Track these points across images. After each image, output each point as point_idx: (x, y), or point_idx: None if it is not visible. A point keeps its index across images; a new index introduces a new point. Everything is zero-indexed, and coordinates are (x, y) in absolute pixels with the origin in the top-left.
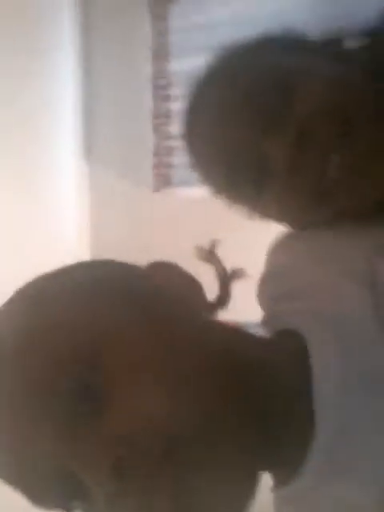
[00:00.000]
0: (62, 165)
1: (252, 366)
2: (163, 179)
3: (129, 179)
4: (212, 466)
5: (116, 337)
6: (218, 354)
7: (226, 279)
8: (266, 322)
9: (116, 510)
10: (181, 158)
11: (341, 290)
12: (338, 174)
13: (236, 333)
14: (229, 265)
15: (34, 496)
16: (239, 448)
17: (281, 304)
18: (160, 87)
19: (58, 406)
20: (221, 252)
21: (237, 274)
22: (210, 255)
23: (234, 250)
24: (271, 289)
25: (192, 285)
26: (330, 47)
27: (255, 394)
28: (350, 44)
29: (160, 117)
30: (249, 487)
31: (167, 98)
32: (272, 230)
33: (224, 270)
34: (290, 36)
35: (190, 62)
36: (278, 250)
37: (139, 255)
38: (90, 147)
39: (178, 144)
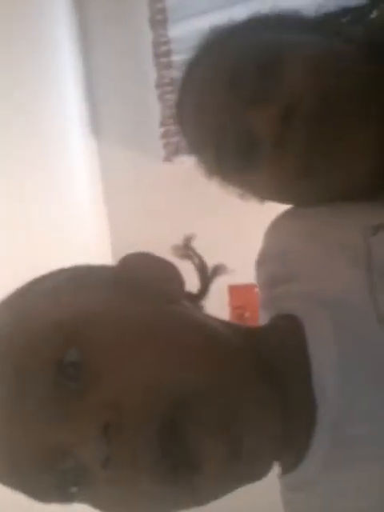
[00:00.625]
0: (70, 142)
1: (234, 348)
2: (172, 148)
3: (138, 151)
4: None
5: (92, 316)
6: (194, 328)
7: (205, 271)
8: (263, 306)
9: (113, 481)
10: None
11: (336, 272)
12: (323, 149)
13: (216, 318)
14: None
15: (33, 487)
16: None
17: (277, 287)
18: (161, 55)
19: (44, 386)
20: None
21: (218, 269)
22: (186, 250)
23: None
24: (268, 270)
25: (165, 267)
26: (325, 25)
27: (256, 374)
28: (346, 22)
29: (164, 85)
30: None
31: (169, 66)
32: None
33: (202, 261)
34: (282, 14)
35: (189, 27)
36: (275, 229)
37: (153, 225)
38: (97, 122)
39: None
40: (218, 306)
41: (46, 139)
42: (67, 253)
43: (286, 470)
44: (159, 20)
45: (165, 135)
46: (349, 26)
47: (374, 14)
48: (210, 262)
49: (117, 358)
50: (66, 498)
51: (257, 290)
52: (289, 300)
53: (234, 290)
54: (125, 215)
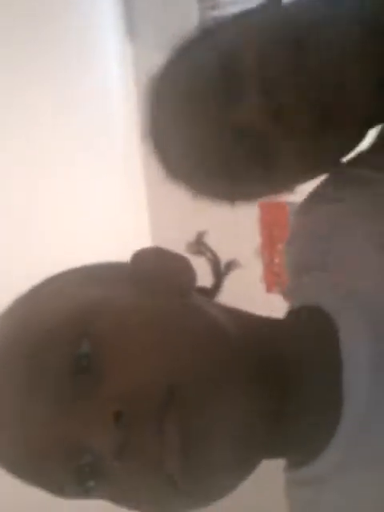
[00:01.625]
0: (106, 46)
1: (257, 341)
2: None
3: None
4: (214, 412)
5: (103, 309)
6: (200, 322)
7: (218, 265)
8: (288, 293)
9: (127, 470)
10: None
11: (365, 260)
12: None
13: (236, 310)
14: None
15: (51, 482)
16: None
17: (304, 274)
18: None
19: (58, 379)
20: None
21: (232, 264)
22: (199, 246)
23: None
24: (296, 253)
25: (176, 261)
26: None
27: (256, 364)
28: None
29: None
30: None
31: None
32: None
33: (215, 256)
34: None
35: None
36: (303, 211)
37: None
38: (133, 26)
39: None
40: (248, 223)
41: (81, 42)
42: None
43: (294, 466)
44: None
45: None
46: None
47: None
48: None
49: (125, 349)
50: (83, 492)
51: (287, 207)
52: (318, 291)
53: (264, 207)
54: None
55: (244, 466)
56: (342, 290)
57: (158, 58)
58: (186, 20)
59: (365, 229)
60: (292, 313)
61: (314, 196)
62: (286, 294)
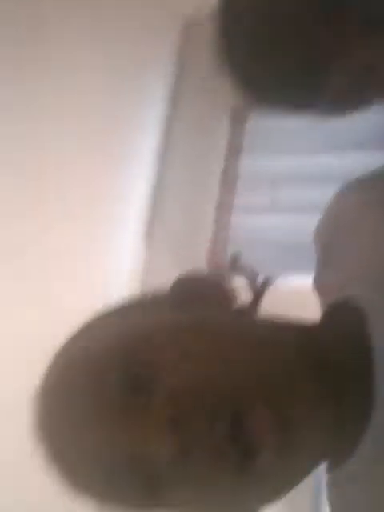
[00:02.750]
0: (121, 243)
1: (299, 346)
2: (216, 268)
3: (183, 265)
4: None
5: (148, 333)
6: (258, 336)
7: (255, 282)
8: (319, 289)
9: (186, 476)
10: (236, 249)
11: None
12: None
13: (277, 319)
14: None
15: (121, 497)
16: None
17: (331, 265)
18: (227, 180)
19: (115, 403)
20: None
21: (269, 281)
22: (235, 266)
23: None
24: (322, 241)
25: (213, 286)
26: None
27: (308, 373)
28: None
29: (222, 208)
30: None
31: (232, 192)
32: None
33: (252, 273)
34: None
35: (260, 163)
36: (335, 200)
37: None
38: (152, 229)
39: (235, 236)
40: None
41: (103, 232)
42: None
43: (334, 466)
44: (234, 151)
45: (212, 253)
46: None
47: None
48: None
49: (173, 365)
50: (153, 504)
51: None
52: (346, 286)
53: None
54: None
55: (314, 462)
56: (371, 283)
57: (167, 262)
58: (200, 232)
59: None
60: (327, 312)
61: (349, 186)
62: (315, 284)
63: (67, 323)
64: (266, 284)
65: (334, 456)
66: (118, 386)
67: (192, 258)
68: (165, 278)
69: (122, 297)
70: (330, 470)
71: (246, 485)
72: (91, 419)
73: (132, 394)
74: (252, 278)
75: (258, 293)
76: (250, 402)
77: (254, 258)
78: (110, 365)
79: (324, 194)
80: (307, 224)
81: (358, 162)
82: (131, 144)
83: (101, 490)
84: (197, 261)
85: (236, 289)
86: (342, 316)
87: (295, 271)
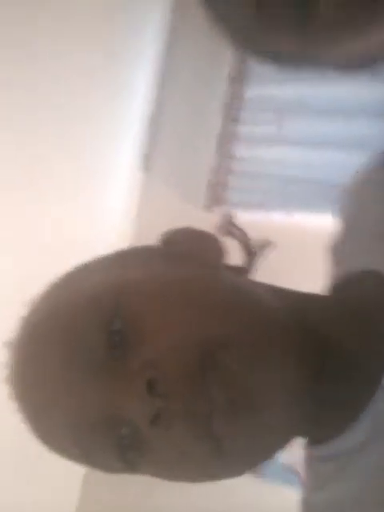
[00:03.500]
0: (118, 171)
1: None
2: (216, 199)
3: (182, 193)
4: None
5: (132, 284)
6: (230, 289)
7: (248, 245)
8: (335, 259)
9: (168, 437)
10: (238, 181)
11: None
12: None
13: (274, 285)
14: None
15: (94, 457)
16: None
17: (351, 239)
18: (231, 109)
19: (93, 356)
20: None
21: (264, 244)
22: (229, 227)
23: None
24: (346, 213)
25: (204, 238)
26: None
27: (293, 342)
28: None
29: (225, 137)
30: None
31: (236, 120)
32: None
33: (245, 236)
34: None
35: (265, 90)
36: (365, 173)
37: None
38: (150, 156)
39: (238, 167)
40: None
41: (97, 161)
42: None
43: (317, 442)
44: (238, 78)
45: (212, 184)
46: None
47: None
48: None
49: (154, 320)
50: (126, 466)
51: None
52: (366, 259)
53: None
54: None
55: (284, 431)
56: None
57: (165, 191)
58: (201, 161)
59: None
60: (340, 284)
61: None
62: (333, 254)
63: (62, 258)
64: (261, 247)
65: (322, 430)
66: (98, 341)
67: (192, 190)
68: (162, 215)
69: (115, 236)
70: (311, 445)
71: (219, 453)
72: (66, 376)
73: (112, 351)
74: (244, 241)
75: (252, 254)
76: (220, 356)
77: (257, 192)
78: (91, 318)
79: (332, 128)
80: (313, 158)
81: (370, 95)
82: (131, 71)
83: (74, 453)
84: (197, 193)
85: (229, 249)
86: (355, 290)
87: (298, 207)
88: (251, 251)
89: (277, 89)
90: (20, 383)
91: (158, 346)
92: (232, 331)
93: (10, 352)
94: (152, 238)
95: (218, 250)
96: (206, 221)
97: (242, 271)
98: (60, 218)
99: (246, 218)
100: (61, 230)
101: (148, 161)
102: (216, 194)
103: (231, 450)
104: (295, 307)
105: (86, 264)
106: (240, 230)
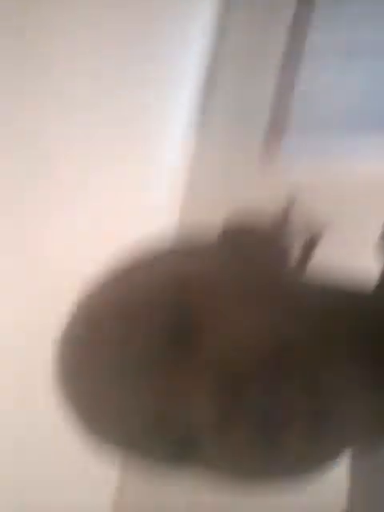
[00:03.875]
0: (172, 129)
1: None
2: (275, 153)
3: (236, 149)
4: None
5: (197, 279)
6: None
7: (310, 231)
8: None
9: (224, 443)
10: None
11: None
12: None
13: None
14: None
15: (148, 454)
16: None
17: None
18: (292, 56)
19: (156, 350)
20: None
21: (321, 233)
22: (289, 213)
23: None
24: None
25: (266, 233)
26: None
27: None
28: None
29: (284, 87)
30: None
31: (296, 70)
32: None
33: (307, 221)
34: None
35: (328, 37)
36: None
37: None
38: (206, 109)
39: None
40: None
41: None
42: None
43: (363, 452)
44: (301, 24)
45: (267, 139)
46: None
47: None
48: None
49: (219, 317)
50: (180, 465)
51: None
52: None
53: None
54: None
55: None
56: None
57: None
58: (257, 117)
59: None
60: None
61: None
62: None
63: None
64: (314, 241)
65: (363, 443)
66: (160, 337)
67: (248, 143)
68: (216, 175)
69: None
70: (355, 457)
71: (276, 460)
72: (126, 371)
73: (174, 346)
74: (305, 223)
75: (307, 250)
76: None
77: (317, 144)
78: (154, 312)
79: None
80: (378, 108)
81: None
82: (189, 14)
83: (123, 452)
84: (253, 146)
85: (290, 244)
86: None
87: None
88: (307, 247)
89: (344, 33)
90: (76, 376)
91: (219, 347)
92: (308, 332)
93: (64, 346)
94: (205, 198)
95: (278, 245)
96: (261, 182)
97: (301, 262)
98: (113, 183)
99: (305, 169)
100: (114, 195)
101: (203, 115)
102: (274, 147)
103: (297, 466)
104: (350, 309)
105: (146, 251)
106: (300, 214)
